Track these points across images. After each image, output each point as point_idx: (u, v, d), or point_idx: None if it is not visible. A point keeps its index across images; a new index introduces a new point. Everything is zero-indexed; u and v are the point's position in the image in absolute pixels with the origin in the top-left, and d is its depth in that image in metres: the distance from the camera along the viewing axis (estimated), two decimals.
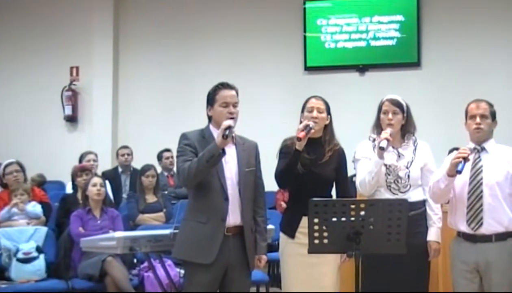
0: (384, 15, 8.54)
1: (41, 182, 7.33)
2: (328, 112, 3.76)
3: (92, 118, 9.37)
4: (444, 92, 8.17)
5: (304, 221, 3.39)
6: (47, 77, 9.50)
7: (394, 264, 3.49)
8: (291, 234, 3.66)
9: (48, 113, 9.51)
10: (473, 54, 8.18)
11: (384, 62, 8.52)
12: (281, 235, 3.75)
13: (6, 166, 6.00)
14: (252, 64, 8.86)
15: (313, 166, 3.66)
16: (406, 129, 3.82)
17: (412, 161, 3.76)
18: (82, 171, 6.11)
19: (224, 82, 3.60)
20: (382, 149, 3.58)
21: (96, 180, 5.57)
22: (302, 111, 3.76)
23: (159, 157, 7.80)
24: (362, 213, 3.03)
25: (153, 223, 5.98)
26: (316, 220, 3.03)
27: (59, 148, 9.22)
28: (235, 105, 3.54)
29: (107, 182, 5.97)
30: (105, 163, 8.35)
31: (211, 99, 3.58)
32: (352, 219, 3.03)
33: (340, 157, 3.78)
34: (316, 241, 3.06)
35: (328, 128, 3.76)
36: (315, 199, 3.07)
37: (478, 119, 3.62)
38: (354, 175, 3.93)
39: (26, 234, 5.40)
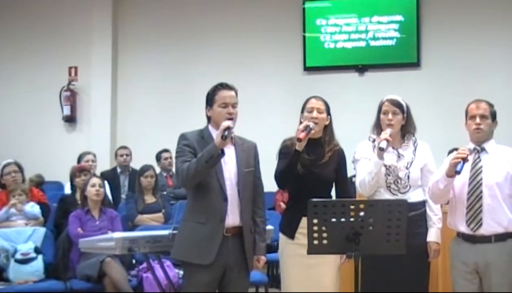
0: (383, 15, 8.52)
1: (39, 182, 7.34)
2: (328, 113, 3.75)
3: (91, 119, 9.35)
4: (444, 92, 8.16)
5: (304, 221, 3.37)
6: (45, 77, 9.48)
7: (394, 265, 3.48)
8: (291, 234, 3.65)
9: (47, 113, 9.50)
10: (473, 54, 8.17)
11: (383, 63, 8.50)
12: (281, 235, 3.74)
13: (4, 166, 5.99)
14: (251, 64, 8.84)
15: (313, 167, 3.65)
16: (406, 129, 3.80)
17: (412, 162, 3.75)
18: (80, 171, 6.09)
19: (223, 83, 3.59)
20: (382, 150, 3.57)
21: (95, 180, 5.55)
22: (302, 111, 3.74)
23: (158, 157, 7.79)
24: (362, 213, 3.02)
25: (152, 223, 5.98)
26: (315, 221, 3.01)
27: (57, 148, 9.21)
28: (234, 106, 3.53)
29: (105, 182, 5.95)
30: (104, 163, 8.34)
31: (210, 100, 3.57)
32: (352, 219, 3.01)
33: (340, 157, 3.77)
34: (316, 242, 3.04)
35: (328, 128, 3.75)
36: (314, 199, 3.06)
37: (478, 120, 3.61)
38: (354, 176, 3.92)
39: (24, 234, 5.40)
